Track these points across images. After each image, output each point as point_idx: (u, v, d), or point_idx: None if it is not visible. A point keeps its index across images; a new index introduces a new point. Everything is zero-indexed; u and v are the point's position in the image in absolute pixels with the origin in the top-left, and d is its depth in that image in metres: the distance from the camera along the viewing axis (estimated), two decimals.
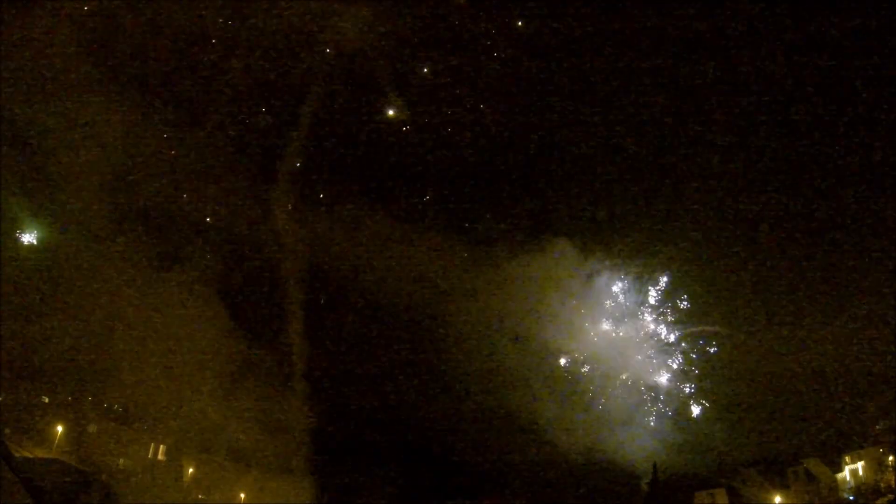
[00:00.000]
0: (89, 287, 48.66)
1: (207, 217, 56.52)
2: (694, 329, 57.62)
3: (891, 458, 47.83)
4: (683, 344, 57.90)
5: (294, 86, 57.28)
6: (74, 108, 49.13)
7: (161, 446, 52.38)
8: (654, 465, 54.41)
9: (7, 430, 43.95)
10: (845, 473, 50.42)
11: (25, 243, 49.14)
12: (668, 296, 59.07)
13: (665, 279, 59.03)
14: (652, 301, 59.29)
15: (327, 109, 58.47)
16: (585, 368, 59.09)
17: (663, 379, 58.07)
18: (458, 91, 59.03)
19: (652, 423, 57.43)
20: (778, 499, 50.96)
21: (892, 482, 46.86)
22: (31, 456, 43.71)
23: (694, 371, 57.59)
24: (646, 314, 59.30)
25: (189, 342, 51.13)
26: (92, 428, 49.16)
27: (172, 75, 54.62)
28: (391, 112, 59.15)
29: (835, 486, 50.39)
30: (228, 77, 55.45)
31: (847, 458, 50.45)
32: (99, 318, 48.41)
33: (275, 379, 54.93)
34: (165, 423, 51.20)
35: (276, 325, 56.78)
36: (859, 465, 49.52)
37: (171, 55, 53.74)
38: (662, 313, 59.02)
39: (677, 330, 58.29)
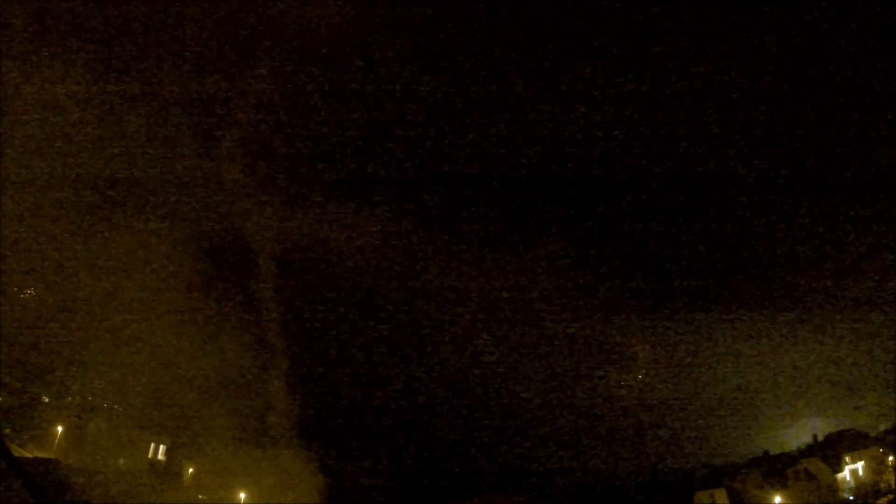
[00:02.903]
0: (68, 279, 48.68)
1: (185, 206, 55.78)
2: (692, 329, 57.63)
3: (891, 458, 47.90)
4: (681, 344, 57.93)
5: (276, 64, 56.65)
6: (22, 81, 48.66)
7: (161, 446, 52.39)
8: (654, 465, 54.48)
9: (7, 430, 43.94)
10: (845, 473, 50.47)
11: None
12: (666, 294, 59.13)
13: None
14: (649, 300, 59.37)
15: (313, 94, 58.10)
16: (582, 368, 59.12)
17: (660, 378, 58.10)
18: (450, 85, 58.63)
19: (651, 423, 57.45)
20: (778, 499, 50.97)
21: (892, 482, 46.92)
22: (31, 456, 43.73)
23: (691, 371, 57.62)
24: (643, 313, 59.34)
25: (170, 328, 51.16)
26: (92, 428, 49.17)
27: (132, 49, 53.79)
28: None
29: (835, 486, 50.44)
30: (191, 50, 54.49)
31: (847, 458, 50.52)
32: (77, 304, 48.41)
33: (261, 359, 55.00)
34: (159, 413, 51.19)
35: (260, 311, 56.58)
36: (859, 465, 49.57)
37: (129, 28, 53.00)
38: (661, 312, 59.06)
39: (676, 330, 58.32)
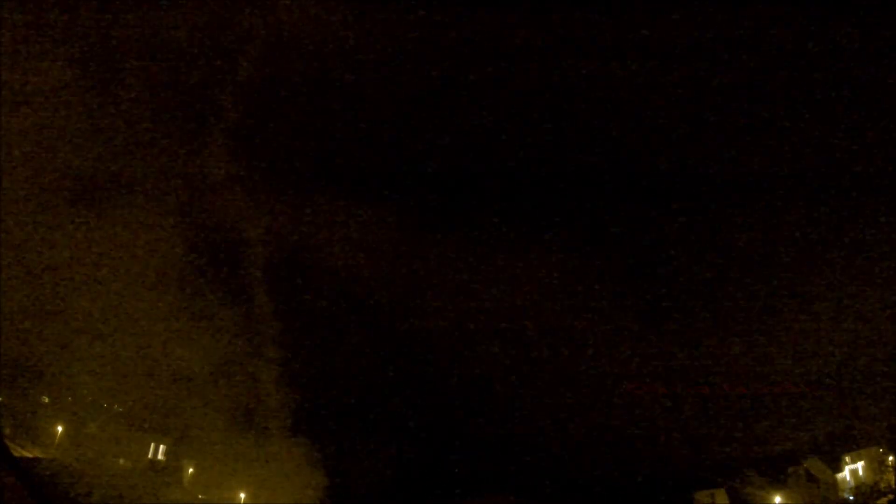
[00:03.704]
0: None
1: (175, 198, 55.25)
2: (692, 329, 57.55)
3: (891, 458, 47.94)
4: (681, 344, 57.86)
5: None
6: (5, 76, 48.20)
7: (161, 446, 52.45)
8: (654, 465, 54.42)
9: (7, 430, 43.99)
10: (845, 473, 50.50)
11: None
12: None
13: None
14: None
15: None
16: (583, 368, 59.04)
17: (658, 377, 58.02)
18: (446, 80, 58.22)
19: (650, 422, 57.38)
20: (778, 499, 51.00)
21: (892, 482, 46.96)
22: (31, 456, 43.79)
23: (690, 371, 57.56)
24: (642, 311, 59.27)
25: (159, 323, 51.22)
26: (92, 428, 49.24)
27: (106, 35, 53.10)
28: None
29: (835, 486, 50.48)
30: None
31: (847, 458, 50.55)
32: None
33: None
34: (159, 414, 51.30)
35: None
36: (859, 465, 49.61)
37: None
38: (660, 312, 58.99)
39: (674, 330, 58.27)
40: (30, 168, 49.01)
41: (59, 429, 47.62)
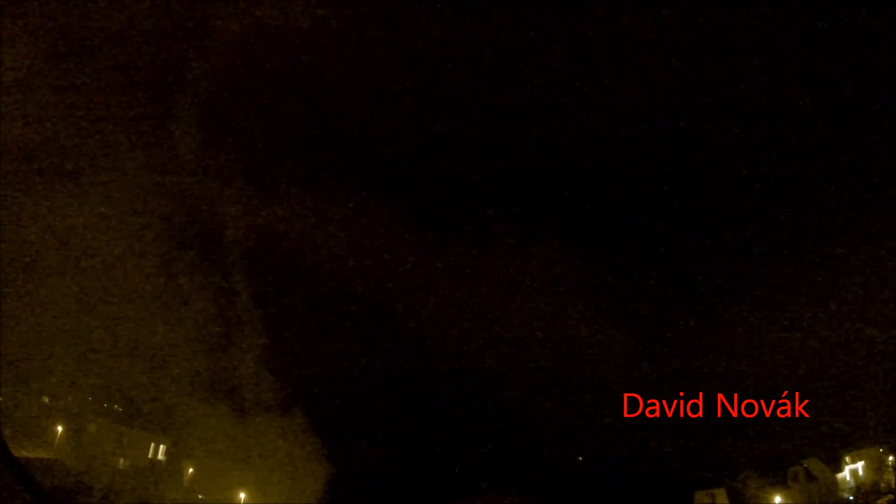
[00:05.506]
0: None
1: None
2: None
3: (891, 458, 47.94)
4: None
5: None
6: None
7: (161, 446, 52.50)
8: (654, 465, 54.45)
9: (7, 431, 43.96)
10: (845, 473, 50.51)
11: None
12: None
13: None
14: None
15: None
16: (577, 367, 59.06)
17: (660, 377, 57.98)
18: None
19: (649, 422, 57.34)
20: (778, 499, 51.01)
21: (892, 482, 46.97)
22: (31, 456, 43.79)
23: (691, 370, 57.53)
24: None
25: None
26: (92, 428, 49.27)
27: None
28: None
29: (835, 486, 50.49)
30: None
31: (847, 458, 50.55)
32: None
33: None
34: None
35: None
36: (859, 465, 49.62)
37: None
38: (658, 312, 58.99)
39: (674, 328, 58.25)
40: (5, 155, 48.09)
41: (59, 429, 47.63)
